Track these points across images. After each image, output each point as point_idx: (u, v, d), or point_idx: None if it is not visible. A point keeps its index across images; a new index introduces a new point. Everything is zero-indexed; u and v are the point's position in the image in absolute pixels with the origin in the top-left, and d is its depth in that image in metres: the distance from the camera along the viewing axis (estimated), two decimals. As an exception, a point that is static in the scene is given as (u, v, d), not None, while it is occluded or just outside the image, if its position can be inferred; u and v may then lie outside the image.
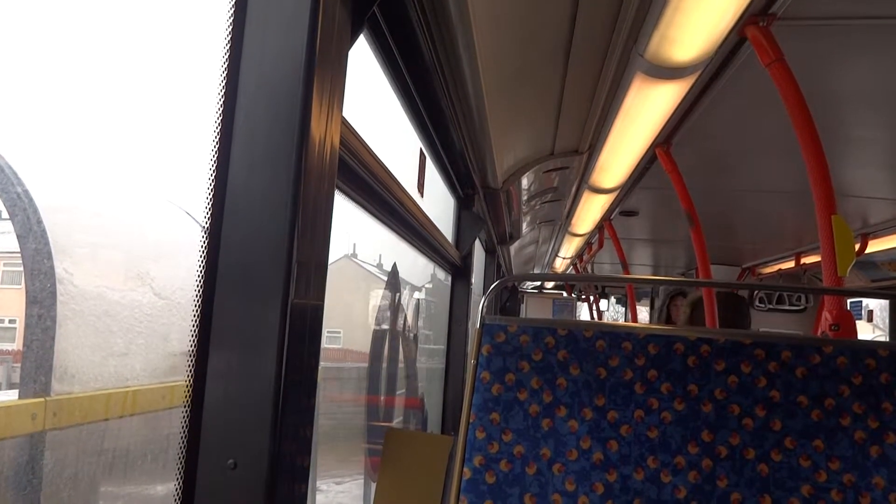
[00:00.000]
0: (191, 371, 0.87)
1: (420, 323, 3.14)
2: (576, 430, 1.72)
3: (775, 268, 7.06)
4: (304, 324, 0.93)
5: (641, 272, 8.52)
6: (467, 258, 3.26)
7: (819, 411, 1.68)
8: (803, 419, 1.68)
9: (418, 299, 2.93)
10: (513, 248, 7.00)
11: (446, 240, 2.66)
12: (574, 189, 4.33)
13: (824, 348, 1.73)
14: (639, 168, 3.79)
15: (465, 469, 1.70)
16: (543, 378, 1.76)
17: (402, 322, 2.63)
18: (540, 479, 1.68)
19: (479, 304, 1.86)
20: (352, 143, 1.28)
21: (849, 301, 2.06)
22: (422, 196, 2.23)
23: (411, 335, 2.85)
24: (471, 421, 1.74)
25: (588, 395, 1.74)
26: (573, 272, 9.14)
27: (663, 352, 1.76)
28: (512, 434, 1.72)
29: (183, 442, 0.84)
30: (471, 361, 1.79)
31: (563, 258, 8.17)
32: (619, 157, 3.53)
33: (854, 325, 1.99)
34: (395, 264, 2.24)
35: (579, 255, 8.01)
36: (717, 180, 4.21)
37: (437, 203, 2.73)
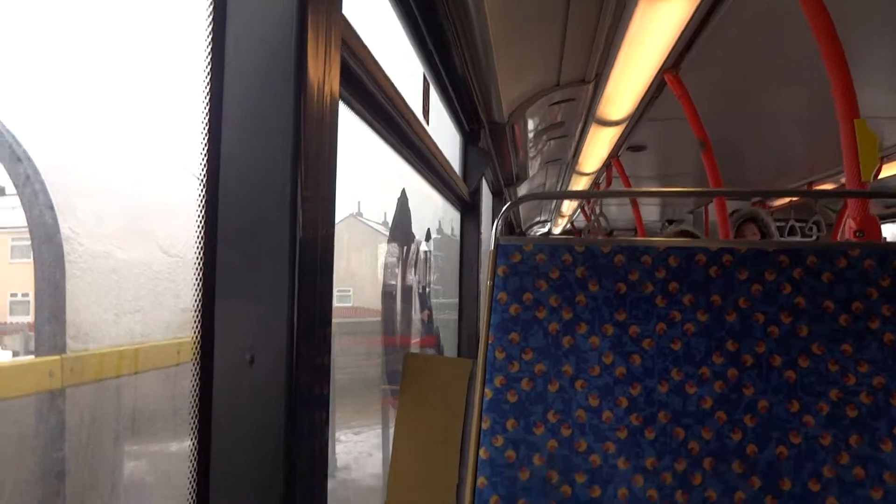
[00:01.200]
0: (197, 323, 0.83)
1: (432, 264, 3.10)
2: (597, 346, 1.69)
3: (786, 200, 6.97)
4: (314, 259, 0.89)
5: (650, 211, 8.44)
6: (475, 194, 3.21)
7: (846, 315, 1.64)
8: (830, 324, 1.64)
9: (428, 245, 2.88)
10: (520, 190, 6.93)
11: (454, 172, 2.61)
12: (581, 123, 4.25)
13: (851, 252, 1.68)
14: (647, 97, 3.70)
15: (487, 390, 1.68)
16: (562, 296, 1.72)
17: (413, 268, 2.59)
18: (563, 396, 1.66)
19: (491, 228, 1.82)
20: (355, 48, 1.21)
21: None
22: (427, 124, 2.17)
23: (423, 280, 2.82)
24: (490, 342, 1.71)
25: (608, 310, 1.70)
26: (581, 216, 9.07)
27: (684, 264, 1.72)
28: (532, 353, 1.69)
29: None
30: (487, 283, 1.76)
31: (572, 201, 8.10)
32: (626, 86, 3.44)
33: (879, 231, 1.94)
34: (403, 190, 2.19)
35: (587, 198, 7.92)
36: (727, 107, 4.10)
37: (443, 140, 2.66)
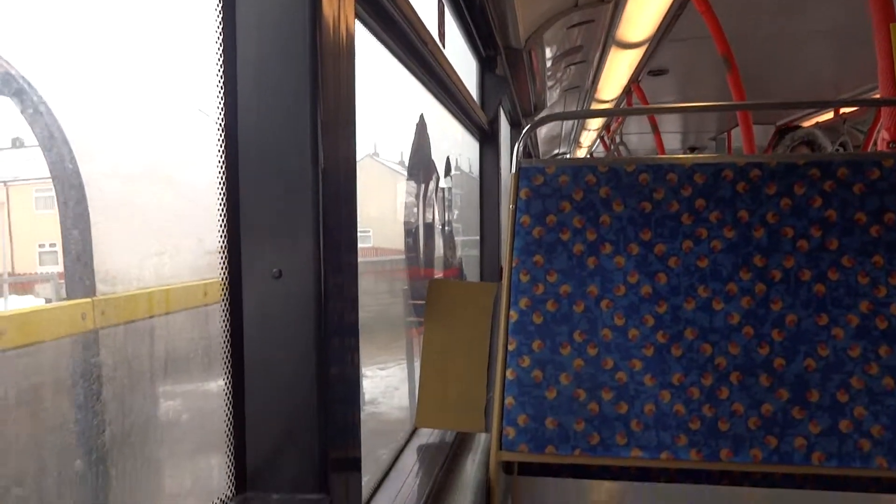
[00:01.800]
0: (225, 262, 0.82)
1: (453, 199, 3.07)
2: (622, 266, 1.67)
3: (812, 121, 6.78)
4: (336, 186, 0.87)
5: (671, 139, 8.28)
6: (494, 123, 3.15)
7: (878, 227, 1.61)
8: (861, 236, 1.61)
9: (449, 179, 2.84)
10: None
11: (472, 98, 2.55)
12: (600, 47, 4.12)
13: (884, 162, 1.63)
14: (669, 15, 3.57)
15: (512, 312, 1.69)
16: (586, 217, 1.70)
17: (433, 204, 2.56)
18: (588, 316, 1.66)
19: (512, 149, 1.79)
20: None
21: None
22: (444, 48, 2.11)
23: (444, 216, 2.79)
24: (514, 265, 1.71)
25: (633, 229, 1.68)
26: (600, 147, 8.93)
27: (710, 180, 1.68)
28: (557, 274, 1.69)
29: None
30: (509, 206, 1.74)
31: (590, 130, 7.96)
32: (647, 3, 3.32)
33: (914, 140, 1.87)
34: (421, 116, 2.15)
35: (606, 126, 7.79)
36: (752, 24, 3.95)
37: (459, 66, 2.59)
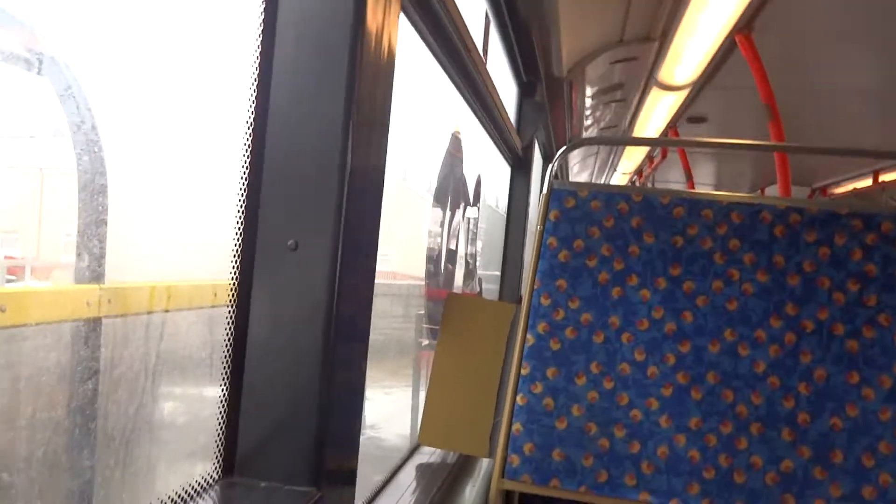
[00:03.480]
0: (237, 264, 0.78)
1: (479, 232, 3.03)
2: (647, 300, 1.62)
3: (849, 186, 6.68)
4: (363, 189, 0.84)
5: (705, 190, 8.19)
6: (528, 150, 3.12)
7: None
8: None
9: (476, 209, 2.79)
10: (572, 160, 6.79)
11: (510, 120, 2.53)
12: (641, 87, 4.09)
13: None
14: (715, 59, 3.53)
15: (529, 336, 1.63)
16: (615, 245, 1.65)
17: (458, 231, 2.51)
18: (608, 348, 1.60)
19: (543, 176, 1.75)
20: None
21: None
22: (486, 62, 2.09)
23: (469, 245, 2.74)
24: (536, 287, 1.65)
25: (662, 263, 1.63)
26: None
27: (748, 221, 1.63)
28: (579, 301, 1.63)
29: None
30: (537, 227, 1.69)
31: (623, 174, 7.91)
32: (694, 45, 3.29)
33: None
34: (456, 129, 2.12)
35: (639, 171, 7.74)
36: (797, 77, 3.90)
37: (499, 87, 2.57)
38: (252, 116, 0.82)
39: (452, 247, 2.45)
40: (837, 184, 6.98)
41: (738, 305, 1.59)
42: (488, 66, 2.23)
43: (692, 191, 1.73)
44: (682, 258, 1.63)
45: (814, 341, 1.55)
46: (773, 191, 6.62)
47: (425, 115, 2.10)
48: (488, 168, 2.98)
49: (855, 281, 1.56)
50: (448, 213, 2.34)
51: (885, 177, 5.95)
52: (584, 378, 1.59)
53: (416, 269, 2.30)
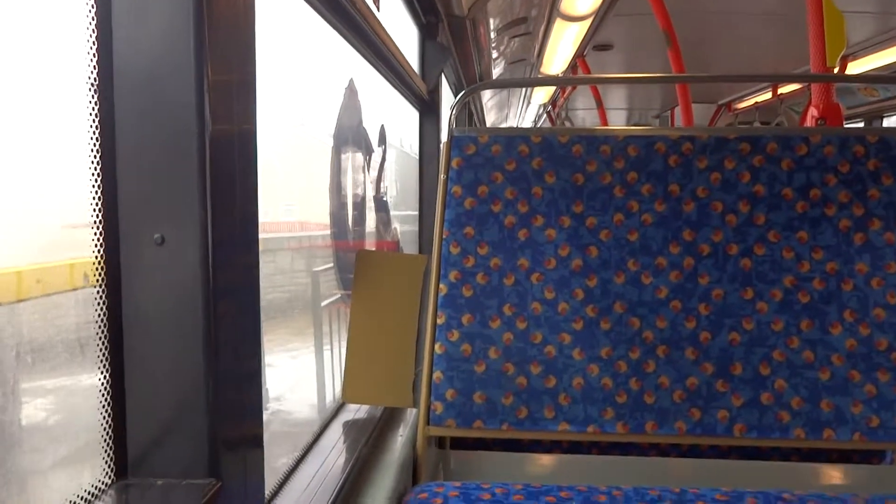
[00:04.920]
0: (101, 258, 0.72)
1: (389, 169, 2.98)
2: (553, 239, 1.65)
3: (751, 101, 6.93)
4: (229, 155, 0.78)
5: (616, 115, 8.35)
6: (434, 93, 3.08)
7: (804, 203, 1.62)
8: (787, 212, 1.63)
9: (383, 147, 2.73)
10: (485, 94, 6.76)
11: (411, 67, 2.48)
12: (545, 19, 4.08)
13: (812, 138, 1.64)
14: (613, -12, 3.55)
15: (442, 285, 1.65)
16: (518, 188, 1.67)
17: (365, 173, 2.45)
18: (518, 290, 1.64)
19: (448, 119, 1.74)
20: None
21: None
22: (378, 10, 2.03)
23: (379, 186, 2.68)
24: (444, 237, 1.66)
25: (565, 202, 1.66)
26: (547, 123, 8.95)
27: (643, 153, 1.67)
28: (488, 247, 1.65)
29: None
30: (441, 176, 1.69)
31: (536, 105, 7.95)
32: (591, -26, 3.28)
33: (842, 118, 1.90)
34: (351, 80, 2.06)
35: (553, 102, 7.80)
36: (692, 2, 3.96)
37: (397, 34, 2.49)
38: (95, 81, 0.75)
39: (361, 191, 2.39)
40: (741, 99, 7.24)
41: (639, 236, 1.64)
42: (381, 12, 2.16)
43: (589, 128, 1.75)
44: (584, 195, 1.66)
45: (710, 263, 1.62)
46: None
47: (319, 56, 2.01)
48: (395, 115, 2.93)
49: (745, 202, 1.63)
50: (351, 156, 2.27)
51: (783, 89, 6.20)
52: (498, 321, 1.63)
53: (323, 216, 2.21)
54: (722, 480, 1.59)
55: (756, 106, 6.94)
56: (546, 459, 1.77)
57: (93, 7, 0.74)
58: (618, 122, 8.68)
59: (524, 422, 1.60)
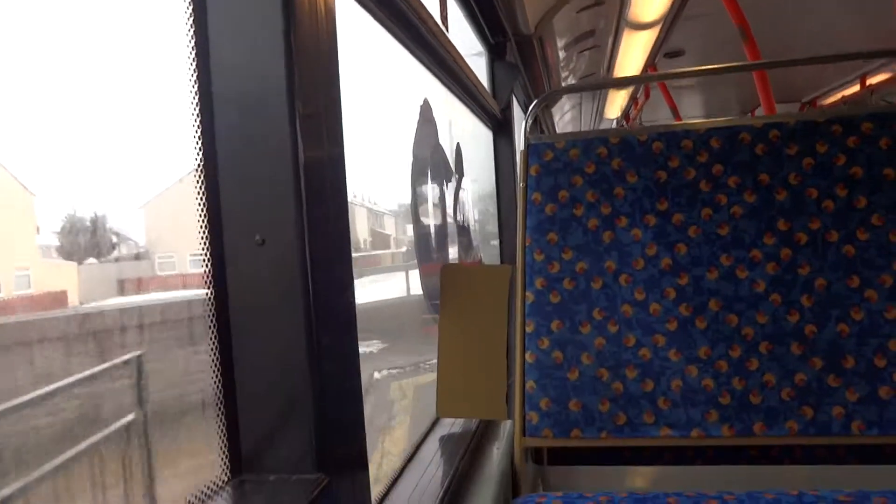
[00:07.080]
0: (209, 271, 0.77)
1: (468, 195, 2.99)
2: (640, 239, 1.62)
3: (838, 96, 6.61)
4: (322, 180, 0.82)
5: (693, 118, 8.13)
6: (506, 111, 3.10)
7: None
8: (891, 192, 1.53)
9: (461, 170, 2.75)
10: (556, 113, 6.74)
11: (483, 86, 2.51)
12: (613, 29, 4.05)
13: None
14: (681, -9, 3.49)
15: (528, 293, 1.64)
16: (599, 190, 1.65)
17: (443, 202, 2.47)
18: (607, 293, 1.61)
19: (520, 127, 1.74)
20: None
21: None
22: (446, 31, 2.07)
23: (461, 214, 2.70)
24: (527, 244, 1.66)
25: (649, 201, 1.63)
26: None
27: (727, 145, 1.62)
28: (572, 251, 1.64)
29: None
30: (519, 185, 1.69)
31: (611, 119, 7.85)
32: (657, -21, 3.25)
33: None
34: (426, 100, 2.10)
35: (625, 115, 7.68)
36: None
37: (466, 55, 2.53)
38: (196, 115, 0.80)
39: (440, 220, 2.42)
40: (826, 94, 6.91)
41: (730, 229, 1.59)
42: (450, 35, 2.21)
43: (668, 123, 1.72)
44: (668, 192, 1.62)
45: (809, 252, 1.55)
46: (762, 112, 6.56)
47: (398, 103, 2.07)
48: (469, 136, 2.96)
49: (843, 186, 1.56)
50: (431, 187, 2.31)
51: (872, 80, 5.89)
52: (588, 326, 1.60)
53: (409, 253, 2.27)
54: (842, 485, 1.49)
55: (844, 100, 6.61)
56: (651, 471, 1.70)
57: (192, 35, 0.80)
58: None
59: (624, 429, 1.55)
